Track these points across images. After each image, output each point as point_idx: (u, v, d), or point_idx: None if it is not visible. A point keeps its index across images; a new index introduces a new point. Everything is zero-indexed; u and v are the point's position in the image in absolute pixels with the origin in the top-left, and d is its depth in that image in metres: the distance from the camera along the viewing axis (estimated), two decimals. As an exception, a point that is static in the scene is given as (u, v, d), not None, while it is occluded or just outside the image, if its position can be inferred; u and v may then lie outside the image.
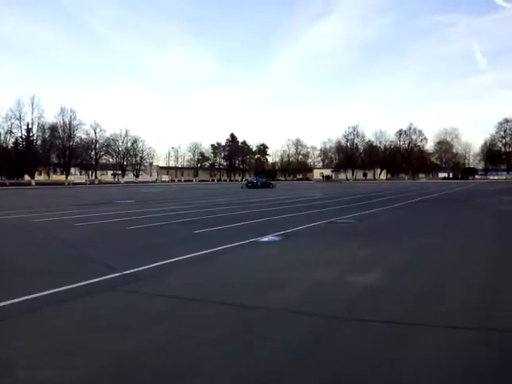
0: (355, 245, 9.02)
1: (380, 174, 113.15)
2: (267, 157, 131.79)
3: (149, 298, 5.24)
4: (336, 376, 3.19)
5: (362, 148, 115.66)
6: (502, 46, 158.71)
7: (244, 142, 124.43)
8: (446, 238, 10.12)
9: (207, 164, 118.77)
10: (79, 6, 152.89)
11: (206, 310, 4.77)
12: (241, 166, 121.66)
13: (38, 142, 77.71)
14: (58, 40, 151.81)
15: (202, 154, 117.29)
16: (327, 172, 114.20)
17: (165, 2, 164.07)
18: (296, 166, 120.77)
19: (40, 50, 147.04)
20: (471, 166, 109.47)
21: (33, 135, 75.34)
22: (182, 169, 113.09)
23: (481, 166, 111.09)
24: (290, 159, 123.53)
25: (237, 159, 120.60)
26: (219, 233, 11.14)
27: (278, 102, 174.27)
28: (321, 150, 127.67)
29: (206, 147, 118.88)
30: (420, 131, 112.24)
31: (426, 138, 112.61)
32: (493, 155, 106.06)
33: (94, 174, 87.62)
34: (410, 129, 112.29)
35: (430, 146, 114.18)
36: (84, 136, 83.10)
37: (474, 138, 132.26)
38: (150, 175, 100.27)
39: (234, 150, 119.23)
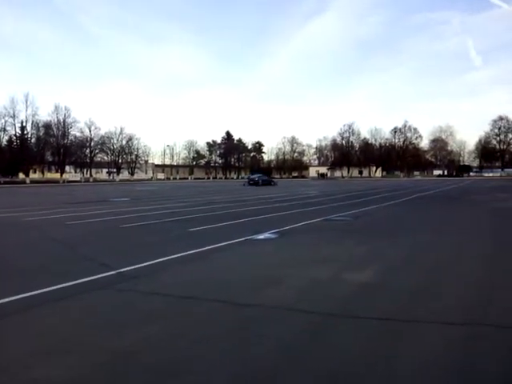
0: (351, 242, 9.03)
1: (375, 171, 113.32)
2: (263, 155, 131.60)
3: (143, 296, 5.21)
4: (331, 373, 3.18)
5: (357, 146, 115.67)
6: (496, 43, 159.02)
7: (239, 140, 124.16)
8: (442, 235, 10.14)
9: (203, 162, 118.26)
10: (73, 5, 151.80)
11: (201, 307, 4.75)
12: (236, 164, 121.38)
13: (33, 140, 77.15)
14: (52, 38, 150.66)
15: (197, 152, 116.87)
16: (323, 170, 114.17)
17: (160, 0, 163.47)
18: (291, 164, 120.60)
19: (34, 48, 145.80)
20: (466, 164, 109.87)
21: (27, 133, 74.79)
22: (178, 167, 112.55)
23: (475, 163, 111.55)
24: (286, 157, 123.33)
25: (232, 157, 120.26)
26: (214, 231, 11.12)
27: (274, 99, 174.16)
28: (316, 147, 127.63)
29: (201, 145, 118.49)
30: (415, 129, 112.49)
31: (420, 136, 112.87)
32: (487, 152, 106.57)
33: (88, 172, 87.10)
34: (405, 126, 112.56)
35: (424, 143, 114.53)
36: (79, 134, 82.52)
37: (468, 135, 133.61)
38: (146, 173, 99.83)
39: (230, 147, 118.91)
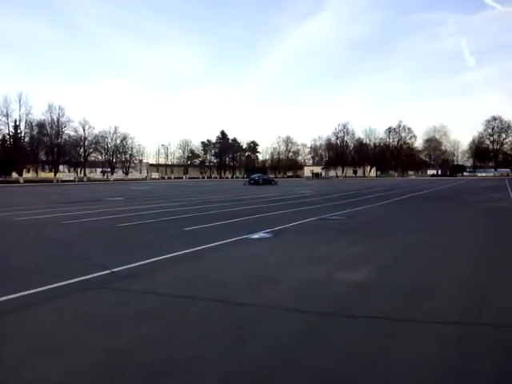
0: (346, 241, 9.05)
1: (370, 171, 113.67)
2: (257, 154, 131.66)
3: (139, 295, 5.20)
4: (327, 373, 3.20)
5: (351, 145, 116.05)
6: (490, 44, 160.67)
7: (234, 140, 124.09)
8: (436, 235, 10.20)
9: (197, 161, 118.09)
10: (68, 4, 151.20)
11: (196, 307, 4.75)
12: (231, 164, 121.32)
13: (26, 139, 76.58)
14: (46, 37, 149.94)
15: (192, 152, 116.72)
16: (317, 169, 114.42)
17: (153, 0, 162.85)
18: (286, 164, 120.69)
19: (27, 47, 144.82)
20: (460, 163, 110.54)
21: (20, 132, 74.25)
22: (172, 166, 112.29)
23: (469, 163, 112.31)
24: (281, 156, 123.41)
25: (227, 156, 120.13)
26: (210, 230, 11.11)
27: (268, 99, 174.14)
28: (311, 147, 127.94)
29: (196, 144, 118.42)
30: (409, 129, 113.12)
31: (415, 136, 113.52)
32: (481, 152, 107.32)
33: (82, 172, 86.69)
34: (400, 126, 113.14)
35: (419, 143, 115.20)
36: (72, 133, 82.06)
37: (462, 135, 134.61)
38: (140, 172, 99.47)
39: (225, 147, 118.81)
